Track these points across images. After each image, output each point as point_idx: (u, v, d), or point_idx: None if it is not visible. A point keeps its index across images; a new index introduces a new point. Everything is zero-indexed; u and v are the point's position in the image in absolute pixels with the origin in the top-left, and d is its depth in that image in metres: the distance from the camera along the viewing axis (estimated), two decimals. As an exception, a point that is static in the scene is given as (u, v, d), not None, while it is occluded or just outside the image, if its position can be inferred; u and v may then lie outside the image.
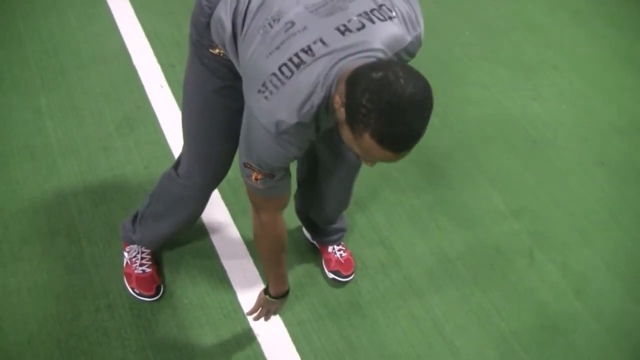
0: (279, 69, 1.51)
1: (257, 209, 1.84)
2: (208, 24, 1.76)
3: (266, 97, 1.52)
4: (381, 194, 2.81)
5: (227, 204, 2.63)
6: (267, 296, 2.06)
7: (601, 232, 2.84)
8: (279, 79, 1.50)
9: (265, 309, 2.11)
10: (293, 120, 1.50)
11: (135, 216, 2.29)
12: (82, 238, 2.46)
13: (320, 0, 1.61)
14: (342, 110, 1.40)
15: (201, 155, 2.03)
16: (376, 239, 2.64)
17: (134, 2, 3.57)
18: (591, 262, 2.71)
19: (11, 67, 3.09)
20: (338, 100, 1.42)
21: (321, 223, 2.41)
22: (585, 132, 3.31)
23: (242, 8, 1.67)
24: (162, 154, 2.79)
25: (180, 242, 2.49)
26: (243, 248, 2.53)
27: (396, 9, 1.58)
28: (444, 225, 2.74)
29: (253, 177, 1.67)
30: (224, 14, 1.69)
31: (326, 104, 1.51)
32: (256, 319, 2.15)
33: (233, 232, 2.58)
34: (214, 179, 2.11)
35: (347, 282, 2.46)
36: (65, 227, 2.49)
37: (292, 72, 1.49)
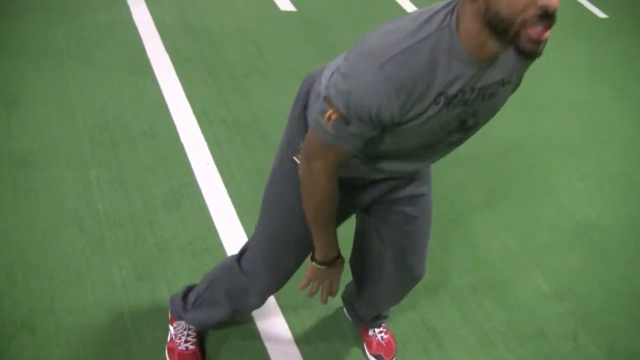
0: None
1: (309, 158, 1.64)
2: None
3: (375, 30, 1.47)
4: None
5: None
6: (313, 263, 1.85)
7: (650, 317, 2.77)
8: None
9: (317, 281, 1.89)
10: (410, 41, 1.40)
11: (187, 292, 2.28)
12: (125, 312, 2.48)
13: None
14: None
15: (271, 264, 2.01)
16: (418, 320, 2.61)
17: (182, 80, 3.69)
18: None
19: (63, 140, 3.18)
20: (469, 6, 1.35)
21: (366, 316, 2.37)
22: (631, 212, 3.27)
23: None
24: (206, 231, 2.83)
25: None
26: (287, 332, 2.51)
27: None
28: (487, 307, 2.70)
29: (327, 115, 1.52)
30: None
31: (450, 36, 1.40)
32: (310, 294, 1.92)
33: (278, 315, 2.56)
34: (278, 284, 2.09)
35: (388, 365, 2.44)
36: (109, 300, 2.51)
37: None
